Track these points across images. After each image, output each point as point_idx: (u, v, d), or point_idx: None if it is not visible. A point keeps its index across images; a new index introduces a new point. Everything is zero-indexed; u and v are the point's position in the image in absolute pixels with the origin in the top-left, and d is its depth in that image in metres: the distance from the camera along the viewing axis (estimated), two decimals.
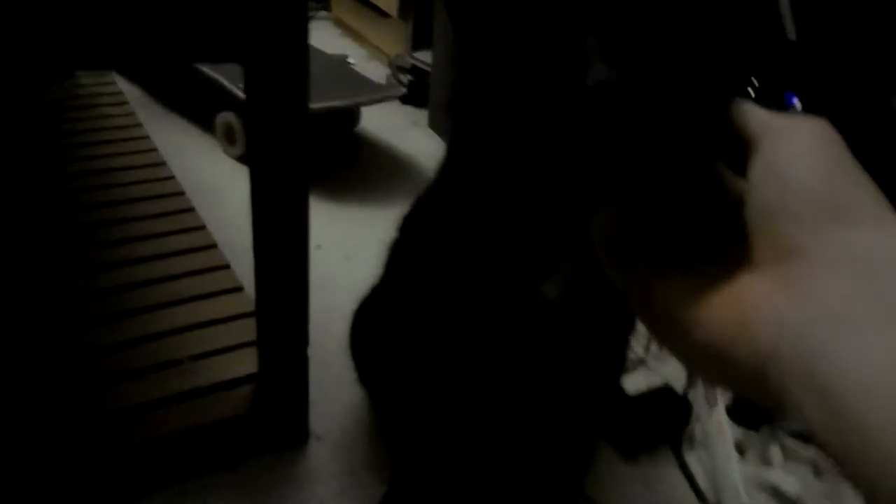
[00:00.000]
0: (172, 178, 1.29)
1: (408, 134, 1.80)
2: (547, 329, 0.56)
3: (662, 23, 0.37)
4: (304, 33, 0.65)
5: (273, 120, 0.66)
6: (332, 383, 0.96)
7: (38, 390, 0.81)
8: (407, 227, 0.70)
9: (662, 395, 1.04)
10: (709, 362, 0.29)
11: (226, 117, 1.50)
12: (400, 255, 0.71)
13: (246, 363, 0.87)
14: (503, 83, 0.40)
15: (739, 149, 0.33)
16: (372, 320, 0.79)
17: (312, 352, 0.84)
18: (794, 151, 0.30)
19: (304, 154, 0.70)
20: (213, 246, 1.11)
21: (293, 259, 0.77)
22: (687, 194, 0.37)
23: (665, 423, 1.03)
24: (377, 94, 1.53)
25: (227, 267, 1.06)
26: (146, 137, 1.43)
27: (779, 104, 0.98)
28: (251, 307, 0.95)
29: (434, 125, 1.81)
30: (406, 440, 0.79)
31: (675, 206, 0.37)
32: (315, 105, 1.37)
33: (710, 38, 0.39)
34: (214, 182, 1.43)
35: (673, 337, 0.32)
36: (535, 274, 0.51)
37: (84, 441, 0.77)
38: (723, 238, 0.35)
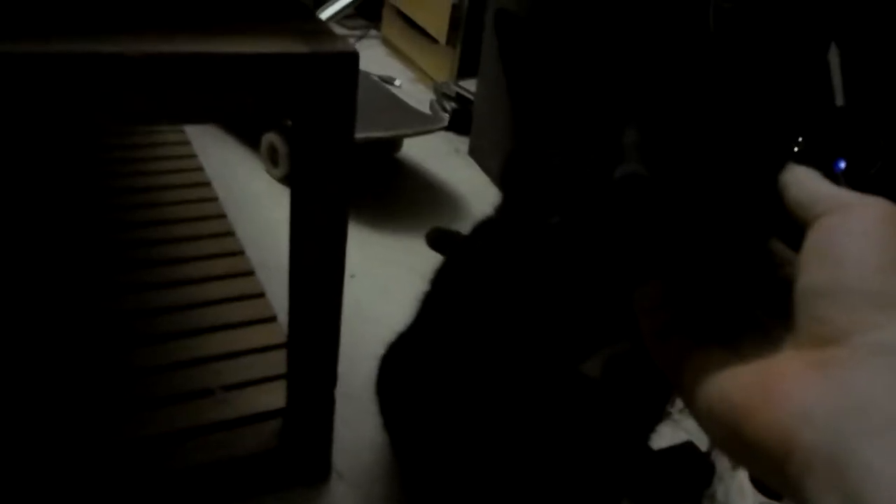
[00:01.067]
0: (216, 199, 1.32)
1: (448, 161, 1.81)
2: (583, 401, 0.56)
3: (702, 112, 0.38)
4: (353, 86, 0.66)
5: (318, 148, 0.67)
6: (357, 418, 0.97)
7: (68, 412, 0.83)
8: (441, 282, 0.71)
9: (686, 452, 1.03)
10: (728, 435, 0.29)
11: (270, 138, 1.53)
12: (432, 310, 0.71)
13: (274, 396, 0.88)
14: (547, 162, 0.40)
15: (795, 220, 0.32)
16: (399, 370, 0.80)
17: (339, 385, 0.85)
18: (852, 232, 0.28)
19: (346, 185, 0.70)
20: (251, 273, 1.13)
21: (327, 294, 0.77)
22: (726, 276, 0.37)
23: (687, 481, 1.03)
24: (421, 126, 1.54)
25: (262, 295, 1.08)
26: (194, 156, 1.46)
27: (826, 168, 0.97)
28: (283, 338, 0.97)
29: (475, 153, 1.82)
30: (428, 494, 0.80)
31: (714, 286, 0.37)
32: (358, 135, 1.38)
33: (751, 120, 0.39)
34: (255, 202, 1.46)
35: (697, 405, 0.32)
36: (574, 354, 0.51)
37: (111, 465, 0.79)
38: (765, 313, 0.34)
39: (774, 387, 0.27)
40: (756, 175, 0.36)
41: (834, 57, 0.91)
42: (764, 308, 0.35)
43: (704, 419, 0.31)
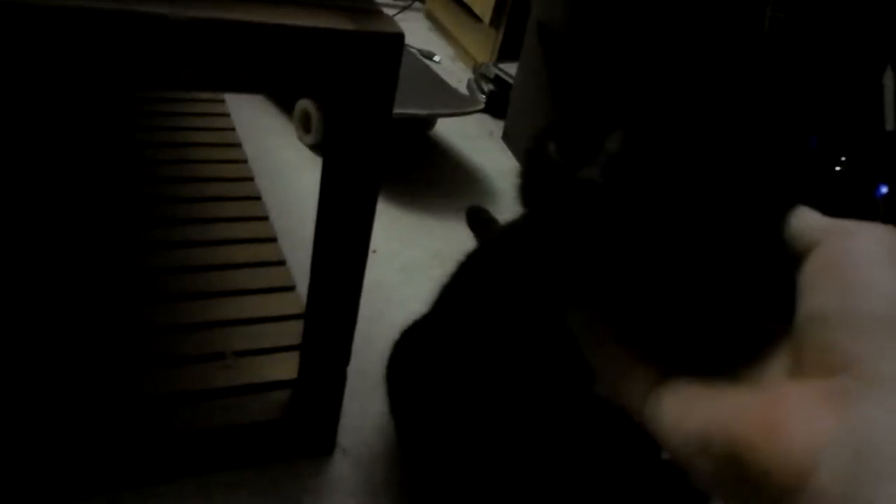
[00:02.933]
0: (245, 161, 1.32)
1: (482, 144, 1.79)
2: (597, 412, 0.55)
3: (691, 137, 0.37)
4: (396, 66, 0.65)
5: (354, 126, 0.66)
6: (365, 395, 0.97)
7: (85, 365, 0.84)
8: (463, 275, 0.70)
9: None
10: (724, 469, 0.27)
11: (304, 105, 1.52)
12: (452, 303, 0.71)
13: (286, 367, 0.88)
14: (544, 153, 0.40)
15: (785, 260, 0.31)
16: (411, 358, 0.79)
17: (351, 361, 0.85)
18: (858, 256, 0.27)
19: (380, 164, 0.70)
20: (273, 239, 1.13)
21: (350, 269, 0.77)
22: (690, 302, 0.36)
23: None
24: (458, 107, 1.52)
25: (282, 263, 1.08)
26: (227, 115, 1.45)
27: (867, 193, 0.95)
28: (300, 309, 0.97)
29: (508, 138, 1.80)
30: (428, 484, 0.80)
31: (666, 312, 0.36)
32: (396, 110, 1.37)
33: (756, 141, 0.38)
34: (284, 168, 1.45)
35: (683, 436, 0.30)
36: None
37: (114, 422, 0.79)
38: (759, 340, 0.33)
39: (781, 420, 0.26)
40: (751, 210, 0.34)
41: (889, 80, 0.88)
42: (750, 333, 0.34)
43: (694, 450, 0.29)
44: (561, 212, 0.35)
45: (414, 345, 0.81)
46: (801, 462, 0.24)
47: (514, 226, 0.60)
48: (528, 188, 0.41)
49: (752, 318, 0.33)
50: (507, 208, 1.26)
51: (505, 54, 1.96)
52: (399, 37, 0.62)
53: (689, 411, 0.30)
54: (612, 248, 0.33)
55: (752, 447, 0.26)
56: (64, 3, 0.50)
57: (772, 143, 0.38)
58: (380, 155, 0.69)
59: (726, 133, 0.36)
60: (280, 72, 0.60)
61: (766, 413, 0.26)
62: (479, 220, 1.39)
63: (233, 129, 1.41)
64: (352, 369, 0.86)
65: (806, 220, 0.31)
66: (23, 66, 0.52)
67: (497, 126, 1.87)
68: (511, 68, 1.85)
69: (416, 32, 2.37)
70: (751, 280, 0.33)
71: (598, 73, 0.45)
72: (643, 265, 0.33)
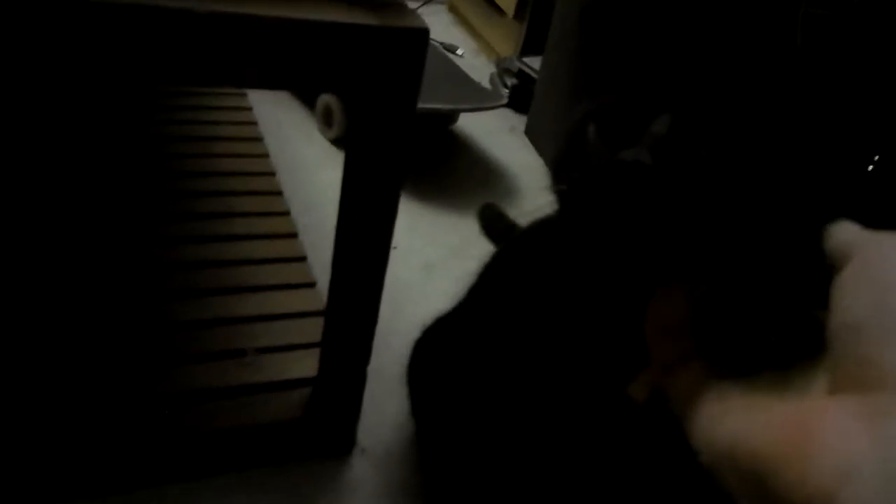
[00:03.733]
0: (267, 155, 1.31)
1: (504, 139, 1.77)
2: (626, 425, 0.53)
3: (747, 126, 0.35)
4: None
5: (378, 122, 0.65)
6: (385, 395, 0.96)
7: (105, 362, 0.83)
8: (490, 275, 0.69)
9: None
10: (750, 483, 0.26)
11: (326, 99, 1.51)
12: (477, 303, 0.69)
13: (306, 365, 0.88)
14: (584, 132, 0.39)
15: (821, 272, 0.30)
16: (433, 359, 0.78)
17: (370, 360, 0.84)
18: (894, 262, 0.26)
19: (403, 162, 0.68)
20: (294, 235, 1.12)
21: (371, 267, 0.76)
22: (750, 294, 0.34)
23: None
24: (481, 102, 1.51)
25: (303, 259, 1.07)
26: (249, 109, 1.45)
27: None
28: (321, 306, 0.96)
29: (531, 134, 1.78)
30: (448, 487, 0.78)
31: (737, 307, 0.34)
32: (419, 105, 1.36)
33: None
34: (306, 163, 1.44)
35: (715, 445, 0.29)
36: (620, 373, 0.49)
37: (141, 419, 0.79)
38: (794, 353, 0.32)
39: (812, 436, 0.25)
40: (789, 208, 0.33)
41: None
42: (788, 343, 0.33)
43: (722, 461, 0.28)
44: (605, 196, 0.34)
45: (436, 344, 0.80)
46: (830, 481, 0.23)
47: (544, 222, 0.59)
48: (567, 173, 0.39)
49: (805, 308, 0.32)
50: (528, 204, 1.25)
51: (529, 48, 1.94)
52: (424, 32, 0.61)
53: (720, 423, 0.30)
54: (658, 232, 0.32)
55: (781, 465, 0.25)
56: None
57: (819, 143, 0.37)
58: (403, 152, 0.67)
59: (770, 128, 0.35)
60: (301, 68, 0.59)
61: (797, 430, 0.25)
62: (491, 217, 1.37)
63: (255, 124, 1.40)
64: (371, 368, 0.85)
65: (844, 232, 0.30)
66: (39, 60, 0.51)
67: (520, 121, 1.85)
68: (535, 62, 1.83)
69: (439, 26, 2.35)
70: (791, 275, 0.32)
71: (640, 59, 0.43)
72: (686, 250, 0.32)
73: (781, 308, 0.33)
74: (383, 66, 0.61)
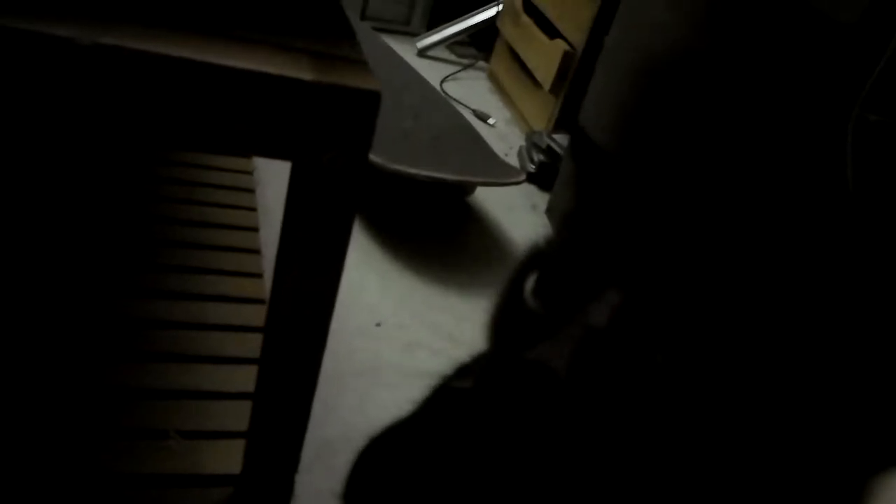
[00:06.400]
0: (254, 209, 1.22)
1: (523, 217, 1.66)
2: None
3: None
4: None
5: (316, 200, 0.54)
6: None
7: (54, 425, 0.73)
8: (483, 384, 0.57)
9: None
10: None
11: None
12: (434, 416, 0.57)
13: (229, 461, 0.76)
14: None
15: None
16: (383, 473, 0.65)
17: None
18: None
19: (342, 252, 0.58)
20: (262, 301, 1.02)
21: (303, 349, 0.65)
22: None
23: None
24: (494, 176, 1.41)
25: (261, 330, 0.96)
26: (247, 156, 1.37)
27: None
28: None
29: (552, 214, 1.67)
30: None
31: None
32: (424, 172, 1.27)
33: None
34: None
35: None
36: None
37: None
38: None
39: None
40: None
41: None
42: None
43: None
44: (502, 409, 0.29)
45: (383, 461, 0.68)
46: None
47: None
48: (497, 329, 0.36)
49: None
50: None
51: (561, 124, 1.85)
52: (372, 94, 0.50)
53: None
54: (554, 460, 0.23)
55: None
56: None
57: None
58: (346, 223, 0.57)
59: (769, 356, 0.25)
60: (219, 123, 0.49)
61: None
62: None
63: (250, 173, 1.32)
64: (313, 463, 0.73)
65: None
66: None
67: (543, 199, 1.74)
68: (565, 139, 1.73)
69: (476, 91, 2.28)
70: None
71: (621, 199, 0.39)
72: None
73: None
74: (323, 128, 0.51)
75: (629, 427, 0.25)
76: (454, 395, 0.45)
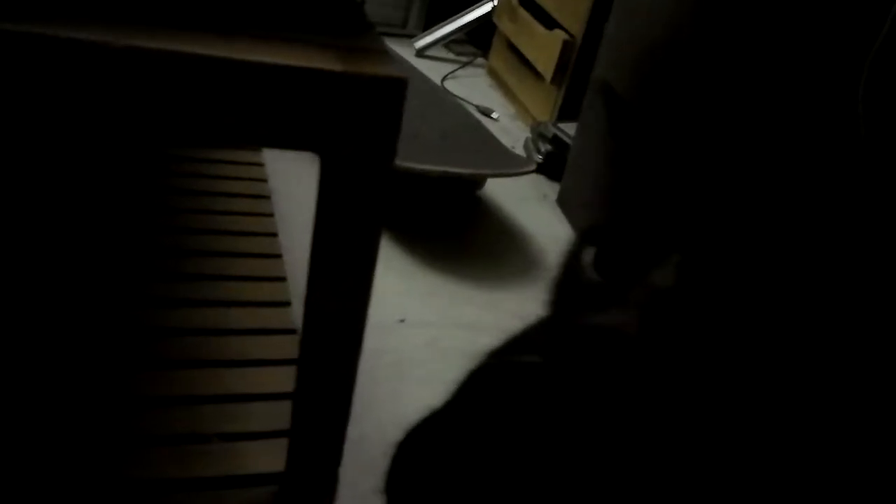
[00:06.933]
0: (271, 215, 1.23)
1: (534, 207, 1.67)
2: None
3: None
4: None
5: (348, 186, 0.55)
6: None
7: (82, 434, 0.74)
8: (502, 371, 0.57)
9: None
10: None
11: None
12: (483, 397, 0.58)
13: (273, 459, 0.77)
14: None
15: None
16: (417, 468, 0.66)
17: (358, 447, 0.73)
18: None
19: (377, 235, 0.59)
20: (287, 303, 1.02)
21: (342, 347, 0.66)
22: None
23: None
24: (505, 168, 1.41)
25: (293, 332, 0.97)
26: (260, 164, 1.38)
27: None
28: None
29: (563, 203, 1.67)
30: None
31: None
32: (436, 168, 1.27)
33: None
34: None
35: None
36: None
37: None
38: None
39: None
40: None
41: None
42: None
43: None
44: (570, 378, 0.28)
45: (421, 451, 0.68)
46: None
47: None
48: (558, 304, 0.36)
49: None
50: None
51: (565, 114, 1.85)
52: (399, 81, 0.51)
53: None
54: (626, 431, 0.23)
55: None
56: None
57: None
58: (377, 217, 0.57)
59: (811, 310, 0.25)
60: (255, 118, 0.49)
61: None
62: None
63: (264, 181, 1.32)
64: (349, 460, 0.74)
65: None
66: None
67: (552, 189, 1.74)
68: (571, 128, 1.74)
69: (477, 88, 2.29)
70: None
71: (663, 156, 0.37)
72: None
73: None
74: (351, 119, 0.51)
75: (706, 389, 0.26)
76: (518, 371, 0.46)
